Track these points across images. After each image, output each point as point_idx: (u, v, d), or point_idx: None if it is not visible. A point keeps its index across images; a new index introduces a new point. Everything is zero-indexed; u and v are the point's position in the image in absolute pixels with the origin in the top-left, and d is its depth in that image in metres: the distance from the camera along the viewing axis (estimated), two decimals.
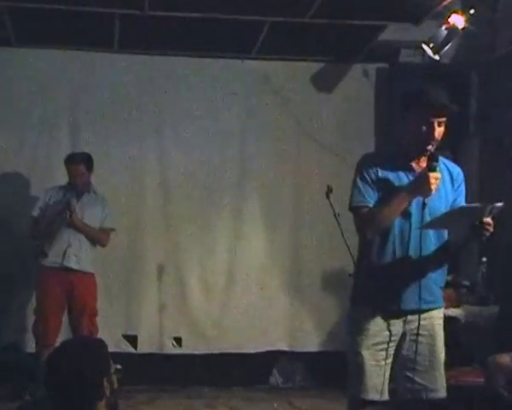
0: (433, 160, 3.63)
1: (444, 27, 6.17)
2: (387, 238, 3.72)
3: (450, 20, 6.13)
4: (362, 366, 3.76)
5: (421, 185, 3.62)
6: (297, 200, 7.28)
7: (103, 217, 6.44)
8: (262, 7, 6.33)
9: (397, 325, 3.77)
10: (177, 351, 7.16)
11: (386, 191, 3.70)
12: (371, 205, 3.70)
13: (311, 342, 7.26)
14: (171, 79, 7.18)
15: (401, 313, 3.76)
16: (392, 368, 3.82)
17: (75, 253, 6.28)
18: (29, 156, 7.05)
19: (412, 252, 3.71)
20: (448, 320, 5.86)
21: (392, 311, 3.75)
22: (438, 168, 3.64)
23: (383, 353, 3.77)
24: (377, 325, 3.76)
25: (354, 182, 3.78)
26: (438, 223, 3.70)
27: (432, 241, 3.76)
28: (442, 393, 3.83)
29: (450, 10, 6.16)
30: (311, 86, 7.29)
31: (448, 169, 3.81)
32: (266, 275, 7.27)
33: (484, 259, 6.08)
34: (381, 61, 7.20)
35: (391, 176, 3.73)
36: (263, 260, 7.29)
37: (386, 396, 3.79)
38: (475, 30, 6.24)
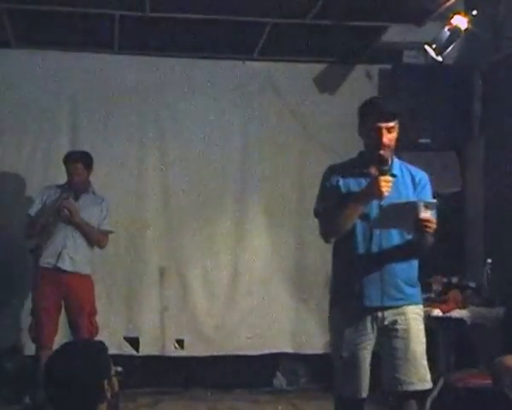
0: (382, 164, 3.88)
1: (446, 28, 6.17)
2: (350, 240, 3.94)
3: (452, 21, 6.14)
4: (341, 366, 3.97)
5: (372, 189, 3.84)
6: (300, 201, 7.23)
7: (101, 218, 6.33)
8: (264, 8, 6.33)
9: (369, 323, 3.94)
10: (180, 353, 7.13)
11: (348, 198, 3.95)
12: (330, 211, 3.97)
13: (315, 344, 7.22)
14: (172, 81, 7.16)
15: (369, 311, 3.94)
16: (372, 364, 3.99)
17: (70, 254, 6.17)
18: (28, 157, 7.01)
19: (374, 251, 3.93)
20: (454, 322, 5.89)
21: (360, 309, 3.94)
22: (390, 172, 3.89)
23: (360, 352, 3.94)
24: (351, 325, 3.95)
25: (318, 191, 4.12)
26: (383, 222, 3.89)
27: (394, 239, 3.96)
28: (419, 386, 3.97)
29: (453, 11, 6.17)
30: (314, 88, 7.27)
31: (410, 173, 4.06)
32: (269, 277, 7.25)
33: (489, 260, 6.06)
34: (384, 63, 7.18)
35: (352, 183, 3.99)
36: (266, 261, 7.28)
37: (365, 394, 3.98)
38: (478, 31, 6.25)
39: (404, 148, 7.04)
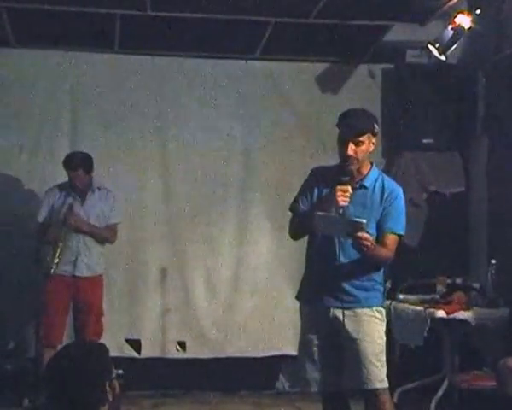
0: (342, 174, 4.10)
1: (450, 28, 6.19)
2: (314, 241, 4.28)
3: (456, 20, 6.15)
4: (299, 359, 4.31)
5: (328, 198, 4.10)
6: None
7: (109, 212, 6.39)
8: (266, 7, 6.32)
9: (322, 319, 4.18)
10: (181, 355, 7.10)
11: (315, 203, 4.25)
12: (301, 211, 4.32)
13: None
14: (174, 80, 7.14)
15: (325, 309, 4.17)
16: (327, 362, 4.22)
17: (85, 261, 6.24)
18: (28, 157, 6.98)
19: (331, 255, 4.16)
20: (458, 323, 5.87)
21: (318, 307, 4.20)
22: (352, 183, 4.09)
23: (315, 348, 4.21)
24: (308, 322, 4.28)
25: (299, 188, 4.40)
26: (321, 228, 4.09)
27: (351, 247, 4.10)
28: (370, 385, 4.12)
29: (456, 10, 6.19)
30: (316, 87, 7.25)
31: (382, 186, 4.20)
32: (272, 278, 7.22)
33: (493, 261, 6.05)
34: (387, 62, 7.17)
35: (325, 190, 4.22)
36: (268, 262, 7.24)
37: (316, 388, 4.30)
38: (481, 30, 6.25)
39: (407, 148, 7.11)
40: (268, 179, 7.22)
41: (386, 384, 4.17)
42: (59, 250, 6.13)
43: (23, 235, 6.54)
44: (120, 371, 3.07)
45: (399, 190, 4.25)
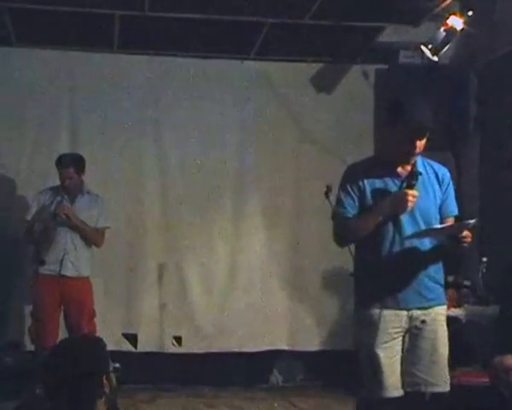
0: (412, 178, 3.81)
1: (442, 29, 6.23)
2: (378, 243, 3.86)
3: (448, 21, 6.20)
4: (378, 364, 3.84)
5: (398, 203, 3.80)
6: (297, 199, 7.33)
7: (98, 216, 6.36)
8: (261, 8, 6.37)
9: (401, 322, 3.86)
10: (177, 350, 7.18)
11: (374, 200, 3.87)
12: (350, 215, 3.88)
13: (312, 341, 7.29)
14: (171, 80, 7.21)
15: (403, 310, 3.86)
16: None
17: (72, 260, 6.22)
18: (28, 156, 7.05)
19: (407, 250, 3.85)
20: (449, 320, 5.92)
21: (395, 308, 3.86)
22: (420, 177, 3.83)
23: (393, 349, 3.87)
24: (385, 323, 3.86)
25: (338, 193, 3.97)
26: (420, 235, 3.84)
27: (425, 242, 3.87)
28: (443, 388, 3.92)
29: (449, 12, 6.23)
30: (311, 87, 7.32)
31: (434, 170, 3.97)
32: (266, 274, 7.30)
33: (484, 259, 6.10)
34: (381, 62, 7.24)
35: (377, 183, 3.89)
36: (263, 259, 7.32)
37: (401, 392, 3.89)
38: (473, 31, 6.29)
39: None
40: (262, 178, 7.31)
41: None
42: (47, 241, 6.12)
43: (20, 236, 6.51)
44: (117, 365, 3.10)
45: (447, 170, 4.04)
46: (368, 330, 3.91)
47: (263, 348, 7.22)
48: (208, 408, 6.58)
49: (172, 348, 7.18)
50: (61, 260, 6.19)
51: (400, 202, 3.78)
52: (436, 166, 4.02)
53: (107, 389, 2.75)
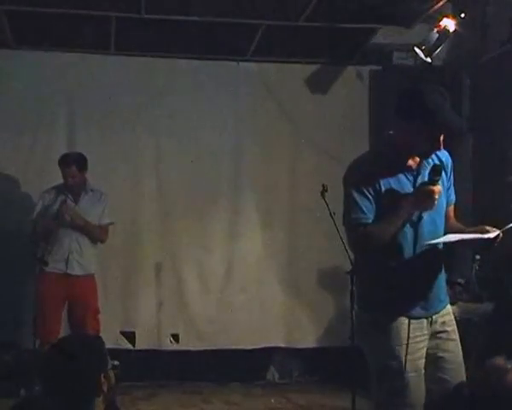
0: (435, 174, 3.54)
1: (435, 31, 6.28)
2: (396, 247, 3.56)
3: (441, 23, 6.24)
4: (404, 378, 3.53)
5: (423, 201, 3.53)
6: (293, 199, 7.38)
7: (102, 213, 6.43)
8: (257, 10, 6.42)
9: (424, 329, 3.62)
10: (175, 347, 7.23)
11: (391, 199, 3.54)
12: (370, 221, 3.53)
13: (308, 338, 7.35)
14: (168, 81, 7.24)
15: (427, 316, 3.63)
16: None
17: (77, 259, 6.30)
18: (26, 157, 7.08)
19: (428, 252, 3.59)
20: None
21: (422, 316, 3.62)
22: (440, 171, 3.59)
23: (421, 361, 3.60)
24: (413, 332, 3.57)
25: (349, 195, 3.57)
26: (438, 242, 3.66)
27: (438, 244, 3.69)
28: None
29: (442, 14, 6.29)
30: (306, 88, 7.37)
31: (438, 157, 3.69)
32: (263, 272, 7.35)
33: (477, 256, 6.14)
34: (375, 64, 7.31)
35: (392, 182, 3.58)
36: (260, 257, 7.37)
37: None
38: (466, 33, 6.36)
39: None
40: (258, 177, 7.36)
41: None
42: (51, 241, 6.18)
43: (20, 234, 6.61)
44: (116, 362, 3.12)
45: (446, 153, 3.78)
46: (393, 343, 3.56)
47: (260, 345, 7.27)
48: (206, 405, 6.63)
49: (170, 346, 7.23)
50: (67, 259, 6.26)
51: (426, 199, 3.51)
52: (438, 152, 3.72)
53: (105, 387, 2.75)
